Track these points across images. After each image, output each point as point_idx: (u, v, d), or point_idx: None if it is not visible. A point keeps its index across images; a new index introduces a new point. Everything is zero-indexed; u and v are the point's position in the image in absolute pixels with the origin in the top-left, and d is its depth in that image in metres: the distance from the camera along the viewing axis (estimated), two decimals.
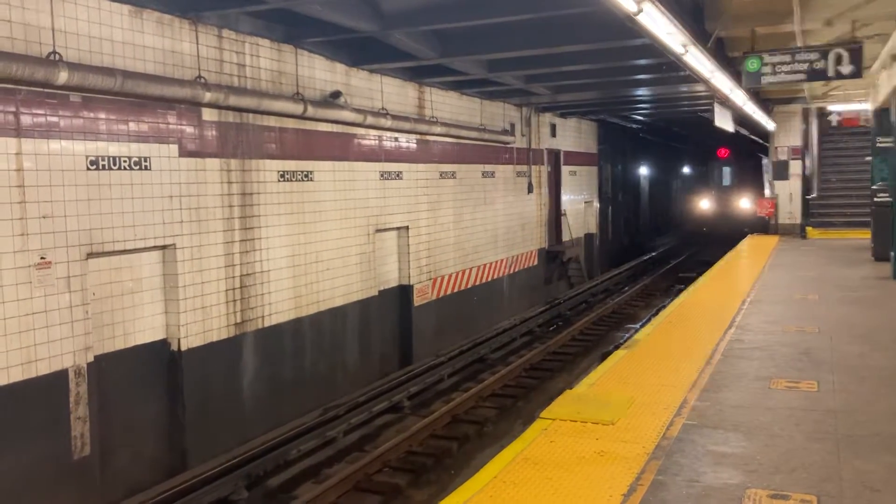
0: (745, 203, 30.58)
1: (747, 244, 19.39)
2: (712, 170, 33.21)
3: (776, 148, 21.61)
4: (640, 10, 6.23)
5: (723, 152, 32.18)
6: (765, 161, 27.39)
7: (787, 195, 21.47)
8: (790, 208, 21.40)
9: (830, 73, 9.71)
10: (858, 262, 14.90)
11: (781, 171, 21.48)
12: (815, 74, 9.83)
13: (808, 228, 20.71)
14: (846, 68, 9.68)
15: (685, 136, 33.99)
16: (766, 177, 26.63)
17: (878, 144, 16.59)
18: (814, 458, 5.01)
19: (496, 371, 12.77)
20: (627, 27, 7.12)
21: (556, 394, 6.90)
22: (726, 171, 33.06)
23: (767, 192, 25.32)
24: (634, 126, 26.23)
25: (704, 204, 32.49)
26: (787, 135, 21.31)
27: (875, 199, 15.23)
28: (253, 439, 8.88)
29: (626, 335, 14.85)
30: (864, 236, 18.18)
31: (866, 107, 20.14)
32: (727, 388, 6.64)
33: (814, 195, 21.88)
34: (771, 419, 5.79)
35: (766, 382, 6.77)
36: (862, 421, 5.71)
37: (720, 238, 27.39)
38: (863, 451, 5.13)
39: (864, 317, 9.65)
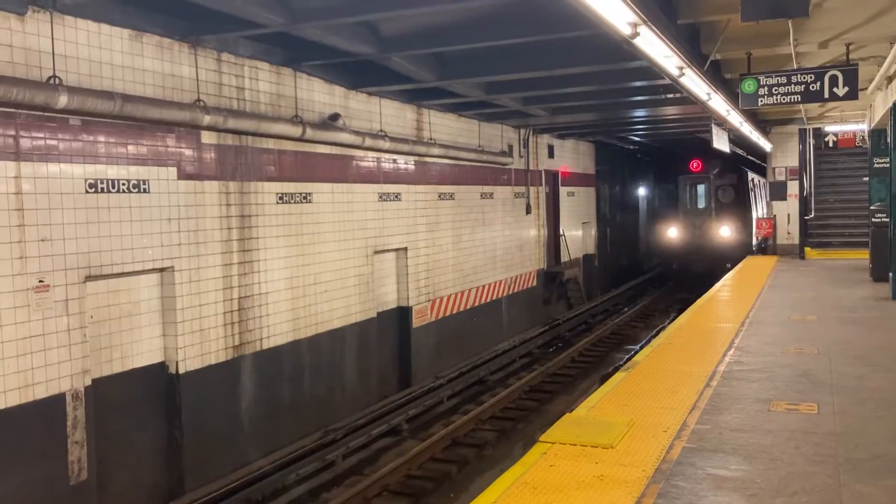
0: (725, 231, 24.08)
1: (746, 265, 19.39)
2: (682, 188, 25.41)
3: (773, 169, 21.69)
4: (637, 34, 6.28)
5: (696, 165, 24.76)
6: (752, 176, 25.15)
7: (785, 216, 21.52)
8: (788, 229, 21.44)
9: (826, 94, 9.78)
10: (857, 283, 14.91)
11: (779, 192, 21.54)
12: (811, 96, 9.89)
13: (807, 249, 20.74)
14: (842, 90, 9.75)
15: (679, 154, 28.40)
16: (755, 195, 26.04)
17: (876, 165, 16.65)
18: (814, 482, 4.98)
19: (496, 393, 12.73)
20: (624, 50, 7.17)
21: (555, 416, 6.86)
22: (701, 189, 25.32)
23: (756, 212, 25.17)
24: (632, 147, 26.34)
25: (672, 233, 25.16)
26: (785, 155, 21.41)
27: (873, 220, 15.26)
28: (251, 463, 8.83)
29: (626, 356, 14.81)
30: (863, 257, 18.20)
31: (863, 127, 20.27)
32: (727, 410, 6.61)
33: (811, 216, 21.94)
34: (771, 442, 5.76)
35: (766, 405, 6.74)
36: (862, 444, 5.69)
37: (699, 274, 23.02)
38: (864, 474, 5.10)
39: (864, 338, 9.63)
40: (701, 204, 25.16)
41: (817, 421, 6.26)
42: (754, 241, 23.13)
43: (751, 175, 24.87)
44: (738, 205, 24.54)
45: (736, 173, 24.76)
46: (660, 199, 30.22)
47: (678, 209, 25.27)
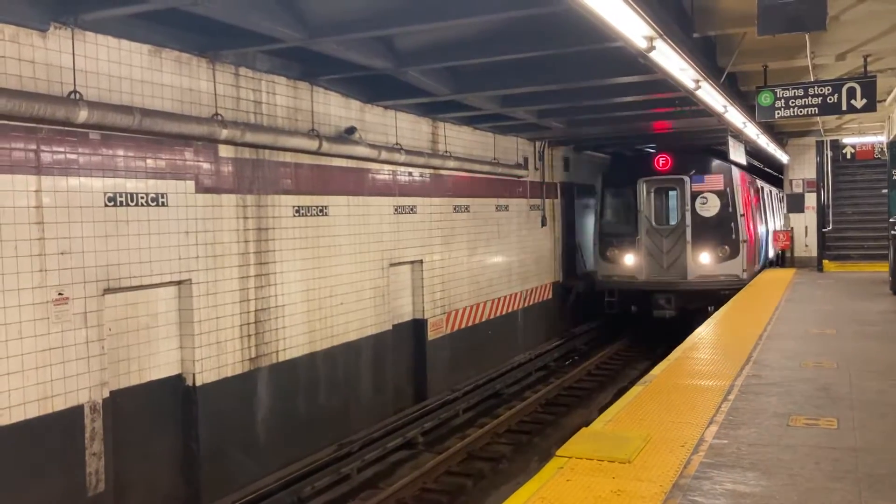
0: (704, 259, 17.11)
1: (763, 279, 19.25)
2: (643, 196, 17.73)
3: (791, 181, 21.56)
4: (653, 47, 6.29)
5: (663, 162, 17.66)
6: (737, 175, 17.52)
7: (802, 228, 21.37)
8: (806, 241, 21.28)
9: (844, 107, 9.72)
10: (876, 296, 14.76)
11: (797, 204, 21.40)
12: (829, 108, 9.84)
13: (825, 261, 20.57)
14: (860, 102, 9.69)
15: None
16: (765, 206, 22.45)
17: (895, 177, 16.51)
18: (834, 498, 4.92)
19: (511, 406, 12.68)
20: (640, 63, 7.18)
21: (572, 430, 6.83)
22: (670, 198, 17.98)
23: (765, 226, 22.70)
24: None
25: (628, 260, 17.62)
26: (802, 167, 21.28)
27: (892, 232, 15.14)
28: (267, 475, 8.84)
29: (643, 369, 14.72)
30: (882, 269, 18.04)
31: (881, 139, 20.12)
32: (745, 425, 6.55)
33: (829, 228, 21.77)
34: (790, 457, 5.71)
35: (785, 419, 6.68)
36: (884, 459, 5.62)
37: (668, 323, 17.07)
38: (885, 490, 5.03)
39: (884, 352, 9.53)
40: (671, 219, 17.70)
41: (837, 436, 6.19)
42: (749, 271, 17.60)
43: (738, 174, 17.63)
44: (725, 220, 17.06)
45: (721, 174, 17.25)
46: (613, 212, 18.51)
47: (636, 227, 17.55)
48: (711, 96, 9.41)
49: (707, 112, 11.18)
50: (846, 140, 22.17)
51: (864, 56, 9.66)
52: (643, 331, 18.30)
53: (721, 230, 17.12)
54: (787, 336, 10.73)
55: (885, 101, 13.17)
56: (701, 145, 19.87)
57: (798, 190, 21.45)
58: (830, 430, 6.36)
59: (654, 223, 17.70)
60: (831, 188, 22.54)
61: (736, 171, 17.50)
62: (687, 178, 17.39)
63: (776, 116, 10.01)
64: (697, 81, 8.25)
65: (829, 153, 22.11)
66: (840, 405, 7.08)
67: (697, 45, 8.14)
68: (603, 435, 6.35)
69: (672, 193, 17.82)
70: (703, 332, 11.39)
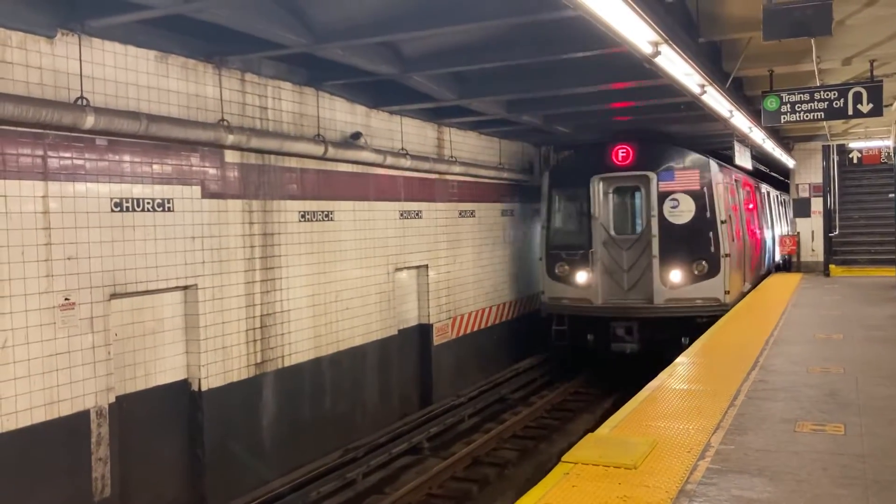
0: (675, 277, 13.66)
1: (769, 283, 19.20)
2: (598, 198, 14.27)
3: (797, 185, 21.51)
4: (658, 53, 6.29)
5: (622, 155, 14.19)
6: (717, 171, 14.03)
7: (808, 232, 21.30)
8: (812, 246, 21.21)
9: (850, 111, 9.69)
10: (884, 301, 14.70)
11: (803, 209, 21.34)
12: (835, 113, 9.81)
13: (832, 266, 20.50)
14: (866, 106, 9.66)
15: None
16: (772, 211, 21.89)
17: None
18: None
19: (517, 412, 12.66)
20: (646, 68, 7.17)
21: (578, 435, 6.81)
22: (634, 200, 14.50)
23: (772, 231, 21.88)
24: None
25: (580, 279, 14.18)
26: (808, 172, 21.21)
27: None
28: (272, 481, 8.84)
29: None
30: (889, 274, 17.97)
31: (888, 143, 20.06)
32: (752, 430, 6.52)
33: (836, 233, 21.69)
34: (797, 463, 5.68)
35: (792, 425, 6.65)
36: (891, 466, 5.58)
37: (632, 358, 13.71)
38: (893, 497, 5.00)
39: (891, 357, 9.48)
40: (633, 227, 14.28)
41: (844, 442, 6.16)
42: (735, 292, 14.26)
43: (719, 172, 14.38)
44: (701, 229, 13.60)
45: (696, 170, 13.79)
46: (562, 219, 14.97)
47: (590, 236, 14.12)
48: (717, 101, 9.40)
49: (713, 117, 11.16)
50: (853, 144, 22.11)
51: (871, 60, 9.64)
52: (589, 379, 14.62)
53: (697, 241, 13.52)
54: (793, 341, 10.69)
55: (891, 105, 13.13)
56: (674, 135, 15.64)
57: (804, 194, 21.39)
58: (838, 435, 6.33)
59: (611, 232, 14.09)
60: (838, 193, 22.47)
61: (715, 167, 13.84)
62: (653, 175, 13.72)
63: (782, 121, 9.99)
64: (703, 86, 8.25)
65: (836, 157, 22.04)
66: (847, 411, 7.05)
67: (703, 50, 8.13)
68: (609, 440, 6.33)
69: (635, 194, 14.23)
70: (710, 338, 11.35)
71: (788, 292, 16.47)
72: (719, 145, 18.50)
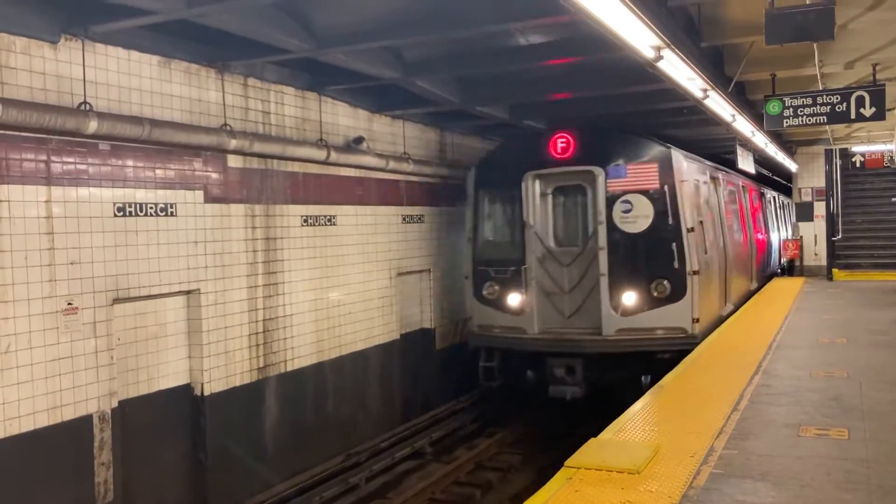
0: (629, 300, 10.70)
1: (772, 287, 19.17)
2: (532, 200, 11.25)
3: (800, 189, 21.49)
4: (661, 57, 6.30)
5: (562, 145, 11.08)
6: (682, 166, 11.00)
7: (811, 237, 21.27)
8: (815, 250, 21.18)
9: (853, 115, 9.70)
10: (887, 305, 14.66)
11: (806, 213, 21.32)
12: (837, 117, 9.82)
13: (835, 270, 20.46)
14: (868, 111, 9.66)
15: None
16: (773, 215, 21.31)
17: None
18: None
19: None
20: (649, 73, 7.18)
21: (581, 440, 6.80)
22: (576, 203, 11.42)
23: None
24: None
25: (512, 301, 11.23)
26: (811, 176, 21.20)
27: None
28: (275, 485, 8.83)
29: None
30: (893, 278, 17.94)
31: (891, 147, 20.05)
32: (755, 435, 6.51)
33: (839, 237, 21.66)
34: (801, 468, 5.66)
35: (795, 430, 6.63)
36: (895, 471, 5.56)
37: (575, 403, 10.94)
38: None
39: (895, 361, 9.45)
40: (576, 237, 11.30)
41: (848, 447, 6.14)
42: (706, 319, 11.27)
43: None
44: (662, 239, 10.72)
45: (655, 164, 10.78)
46: (492, 228, 12.01)
47: (523, 248, 11.26)
48: (719, 105, 9.41)
49: (715, 121, 11.16)
50: (855, 148, 22.09)
51: (873, 64, 9.65)
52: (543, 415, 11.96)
53: (656, 255, 10.64)
54: (796, 345, 10.66)
55: (894, 109, 13.12)
56: (626, 122, 13.09)
57: (807, 198, 21.37)
58: (841, 440, 6.31)
59: (550, 244, 11.22)
60: (841, 196, 22.45)
61: (680, 160, 10.91)
62: (599, 172, 10.74)
63: (784, 125, 10.00)
64: (705, 91, 8.26)
65: (839, 161, 22.02)
66: (851, 415, 7.02)
67: (705, 54, 8.14)
68: (612, 445, 6.32)
69: (581, 196, 11.19)
70: (712, 342, 11.33)
71: (791, 297, 16.44)
72: (722, 149, 18.51)
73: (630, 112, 12.41)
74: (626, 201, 10.70)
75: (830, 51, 9.08)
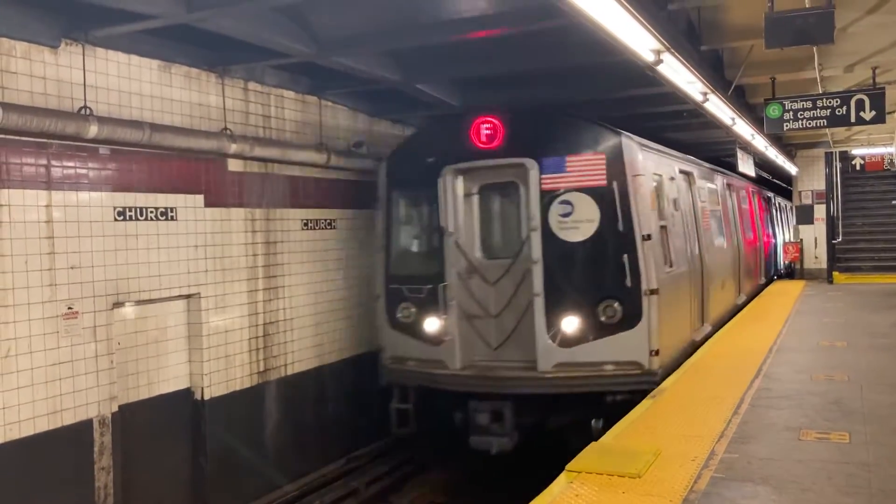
0: (570, 325, 8.50)
1: (772, 290, 19.17)
2: (450, 201, 9.00)
3: (800, 192, 21.50)
4: (661, 61, 6.30)
5: (486, 132, 8.92)
6: (638, 157, 8.86)
7: (812, 240, 21.27)
8: (816, 253, 21.18)
9: (853, 118, 9.69)
10: (888, 308, 14.65)
11: (806, 216, 21.33)
12: (837, 120, 9.82)
13: (835, 273, 20.45)
14: (868, 114, 9.66)
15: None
16: (773, 218, 21.01)
17: None
18: None
19: None
20: (648, 76, 7.18)
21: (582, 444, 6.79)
22: (505, 205, 9.27)
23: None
24: None
25: (430, 327, 9.00)
26: (811, 179, 21.21)
27: None
28: (275, 490, 8.82)
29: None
30: (893, 281, 17.93)
31: (891, 150, 20.06)
32: (756, 439, 6.50)
33: (839, 239, 21.67)
34: (802, 472, 5.65)
35: (796, 433, 6.62)
36: None
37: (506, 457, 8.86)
38: None
39: None
40: (505, 248, 9.27)
41: (849, 450, 6.13)
42: (670, 352, 9.14)
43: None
44: (611, 250, 8.66)
45: (602, 154, 8.68)
46: (406, 236, 9.86)
47: (443, 262, 9.15)
48: (719, 109, 9.41)
49: (715, 124, 11.17)
50: (855, 151, 22.10)
51: (873, 67, 9.66)
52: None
53: (603, 269, 8.64)
54: (797, 349, 10.66)
55: (894, 112, 13.13)
56: (569, 103, 10.93)
57: (807, 201, 21.38)
58: (842, 444, 6.30)
59: (476, 255, 9.11)
60: (841, 199, 22.46)
61: (634, 149, 8.77)
62: (532, 164, 8.68)
63: (785, 129, 9.99)
64: (705, 94, 8.26)
65: (839, 164, 22.04)
66: (852, 419, 7.02)
67: (705, 57, 8.15)
68: (613, 449, 6.31)
69: (512, 196, 9.09)
70: (712, 345, 11.33)
71: (792, 300, 16.44)
72: (722, 153, 18.52)
73: (630, 115, 12.41)
74: (566, 202, 8.63)
75: (830, 54, 9.09)
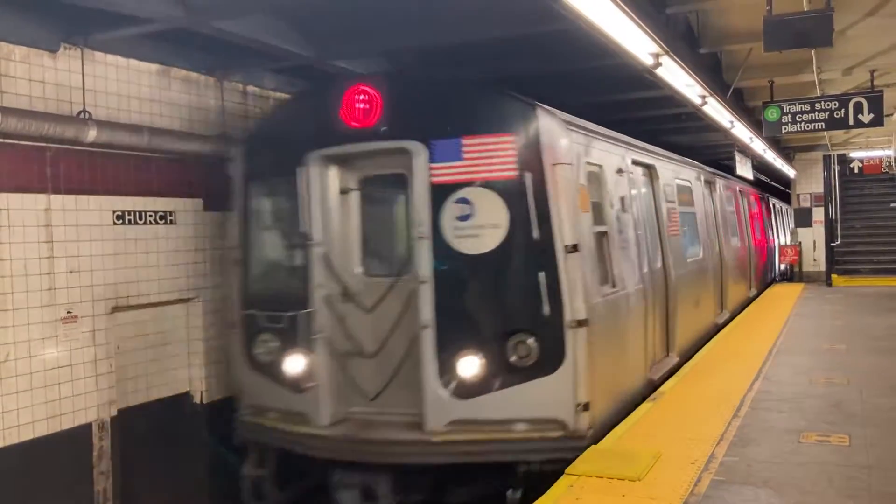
0: (469, 365, 6.24)
1: (771, 293, 19.19)
2: (309, 198, 6.77)
3: (798, 195, 21.54)
4: (659, 64, 6.32)
5: (361, 103, 6.61)
6: (562, 139, 6.52)
7: (810, 242, 21.30)
8: (814, 255, 21.21)
9: (851, 121, 9.73)
10: (887, 311, 14.67)
11: (804, 219, 21.36)
12: (836, 123, 9.85)
13: (834, 276, 20.48)
14: (867, 117, 9.70)
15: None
16: (773, 221, 21.09)
17: None
18: None
19: None
20: (647, 80, 7.20)
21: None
22: (385, 205, 7.23)
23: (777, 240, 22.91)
24: None
25: (291, 368, 6.73)
26: (809, 182, 21.25)
27: None
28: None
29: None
30: (892, 284, 17.96)
31: (889, 153, 20.11)
32: (756, 441, 6.50)
33: (838, 242, 21.70)
34: (802, 475, 5.65)
35: (796, 436, 6.62)
36: None
37: None
38: None
39: (895, 367, 9.45)
40: (385, 262, 7.07)
41: (849, 453, 6.13)
42: (607, 404, 6.87)
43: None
44: (525, 266, 6.35)
45: (511, 135, 6.34)
46: (266, 245, 7.49)
47: (307, 280, 6.81)
48: (718, 112, 9.44)
49: (714, 127, 11.19)
50: (853, 154, 22.17)
51: (871, 71, 9.69)
52: None
53: (514, 293, 6.51)
54: (796, 351, 10.67)
55: (892, 115, 13.16)
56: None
57: (805, 204, 21.41)
58: (843, 447, 6.31)
59: (350, 272, 6.99)
60: (839, 202, 22.50)
61: (555, 129, 6.56)
62: (419, 149, 6.55)
63: (783, 131, 10.03)
64: (704, 97, 8.28)
65: (837, 167, 22.09)
66: (852, 422, 7.02)
67: (704, 61, 8.17)
68: (613, 452, 6.31)
69: (399, 193, 6.99)
70: (712, 348, 11.33)
71: (790, 303, 16.45)
72: (720, 156, 18.55)
73: (628, 118, 12.43)
74: (464, 200, 6.37)
75: (828, 57, 9.12)
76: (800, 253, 21.26)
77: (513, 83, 10.19)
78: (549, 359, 6.24)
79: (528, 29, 7.18)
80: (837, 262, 21.29)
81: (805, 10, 6.21)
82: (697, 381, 9.00)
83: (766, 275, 19.35)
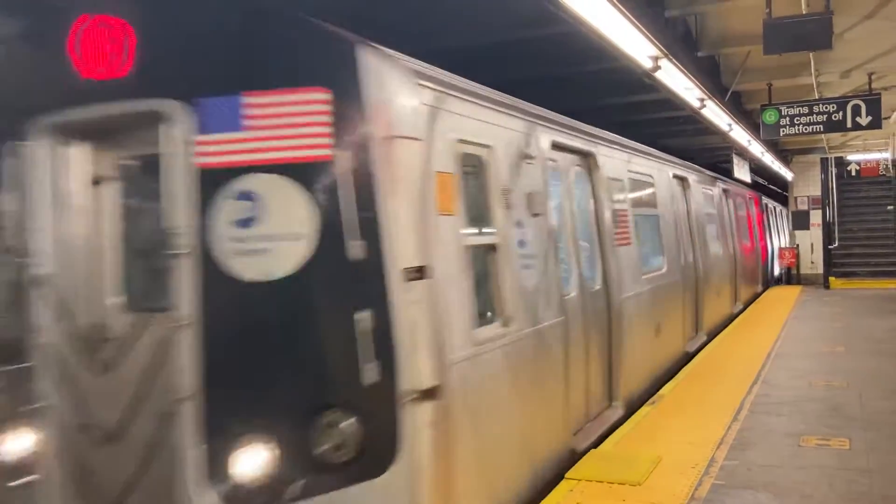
0: (251, 462, 3.78)
1: (769, 296, 19.20)
2: (40, 207, 4.30)
3: (795, 198, 21.57)
4: (658, 67, 6.32)
5: (96, 39, 4.17)
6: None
7: (808, 245, 21.33)
8: (812, 258, 21.24)
9: (849, 124, 9.76)
10: (885, 313, 14.68)
11: (802, 221, 21.40)
12: (834, 126, 9.88)
13: (831, 278, 20.51)
14: (865, 119, 9.72)
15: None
16: (768, 223, 20.38)
17: None
18: None
19: None
20: (646, 83, 7.20)
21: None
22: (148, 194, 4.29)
23: (773, 243, 22.56)
24: None
25: (10, 448, 4.18)
26: (807, 184, 21.30)
27: None
28: None
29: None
30: (890, 286, 17.98)
31: (886, 156, 20.15)
32: (756, 445, 6.48)
33: (835, 245, 21.74)
34: (803, 479, 5.64)
35: (796, 440, 6.61)
36: None
37: None
38: None
39: (895, 370, 9.44)
40: (147, 297, 4.35)
41: (849, 457, 6.11)
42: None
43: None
44: (348, 296, 3.84)
45: (322, 89, 3.90)
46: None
47: (21, 313, 4.32)
48: (716, 115, 9.44)
49: (712, 130, 11.19)
50: (851, 157, 22.22)
51: (869, 73, 9.71)
52: None
53: (321, 344, 3.92)
54: (795, 354, 10.66)
55: (889, 117, 13.19)
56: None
57: (803, 207, 21.45)
58: (843, 450, 6.29)
59: (101, 304, 4.41)
60: (837, 205, 22.54)
61: (396, 79, 4.30)
62: (174, 112, 4.08)
63: (781, 134, 10.05)
64: (702, 100, 8.29)
65: (834, 170, 22.15)
66: (852, 425, 7.00)
67: (702, 64, 8.18)
68: (613, 456, 6.29)
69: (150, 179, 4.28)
70: (711, 351, 11.33)
71: (788, 305, 16.47)
72: (718, 158, 18.56)
73: (627, 121, 12.43)
74: (246, 195, 4.01)
75: (826, 60, 9.14)
76: (797, 256, 21.30)
77: (512, 86, 10.22)
78: (376, 452, 3.84)
79: (527, 32, 7.16)
80: (835, 264, 21.32)
81: (804, 12, 6.22)
82: (696, 385, 8.99)
83: (756, 283, 17.89)
